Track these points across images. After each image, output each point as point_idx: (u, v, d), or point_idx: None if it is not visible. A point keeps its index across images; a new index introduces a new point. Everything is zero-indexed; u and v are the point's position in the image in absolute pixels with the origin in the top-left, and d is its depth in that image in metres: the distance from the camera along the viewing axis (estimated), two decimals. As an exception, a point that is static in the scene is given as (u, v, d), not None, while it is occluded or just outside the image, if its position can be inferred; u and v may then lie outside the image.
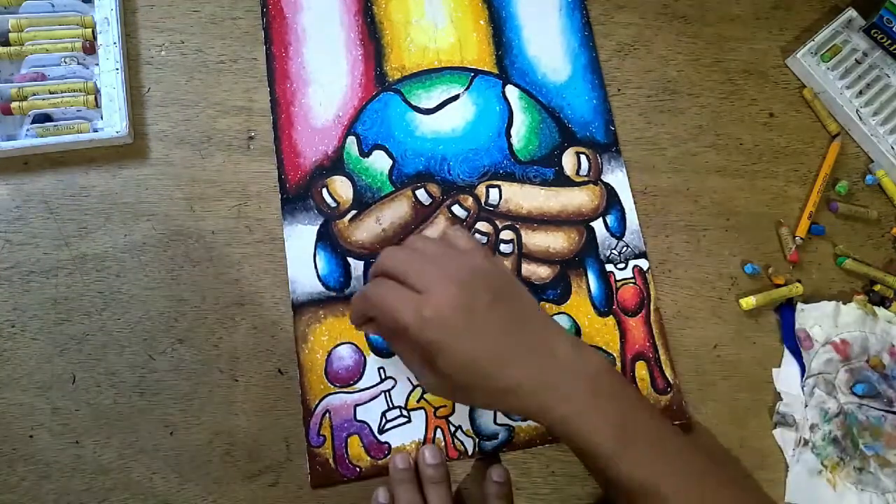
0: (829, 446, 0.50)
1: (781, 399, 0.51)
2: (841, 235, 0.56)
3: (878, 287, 0.55)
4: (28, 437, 0.45)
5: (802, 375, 0.52)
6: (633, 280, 0.52)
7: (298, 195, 0.51)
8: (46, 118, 0.49)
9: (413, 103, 0.54)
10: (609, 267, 0.52)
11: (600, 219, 0.53)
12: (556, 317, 0.50)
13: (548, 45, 0.56)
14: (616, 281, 0.52)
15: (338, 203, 0.51)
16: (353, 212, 0.51)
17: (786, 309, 0.53)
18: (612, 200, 0.53)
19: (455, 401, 0.42)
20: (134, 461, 0.45)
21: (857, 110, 0.58)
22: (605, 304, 0.51)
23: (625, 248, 0.52)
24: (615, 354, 0.50)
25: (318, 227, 0.50)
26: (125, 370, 0.46)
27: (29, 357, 0.46)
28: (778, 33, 0.60)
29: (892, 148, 0.57)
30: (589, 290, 0.51)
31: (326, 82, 0.53)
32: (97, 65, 0.50)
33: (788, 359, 0.52)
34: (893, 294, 0.55)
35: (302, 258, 0.49)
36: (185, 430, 0.46)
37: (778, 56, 0.60)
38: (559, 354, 0.39)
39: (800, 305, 0.53)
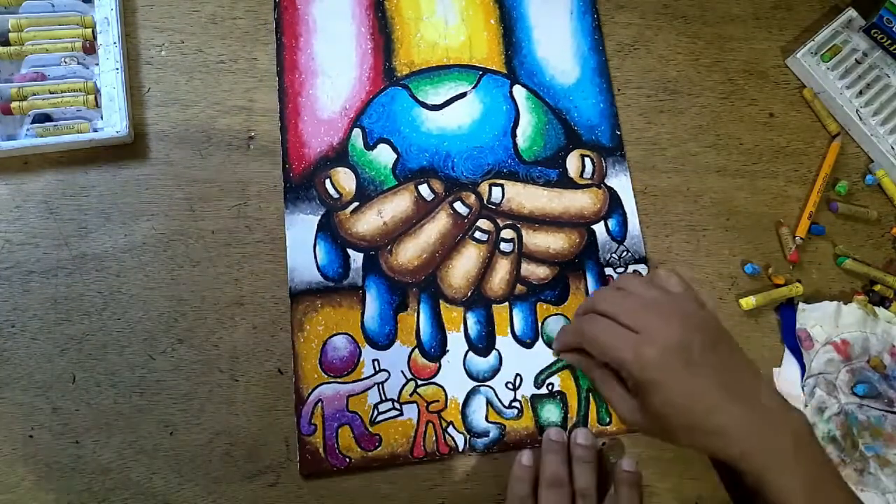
0: (829, 446, 0.50)
1: None
2: (841, 235, 0.56)
3: (878, 287, 0.55)
4: (28, 437, 0.45)
5: (803, 375, 0.52)
6: None
7: (302, 185, 0.51)
8: (46, 118, 0.49)
9: (420, 99, 0.54)
10: (608, 270, 0.52)
11: (602, 222, 0.53)
12: (553, 318, 0.50)
13: (557, 47, 0.56)
14: None
15: (340, 194, 0.51)
16: (356, 204, 0.51)
17: (786, 309, 0.53)
18: (614, 204, 0.53)
19: (652, 435, 0.43)
20: (134, 461, 0.45)
21: (857, 110, 0.58)
22: None
23: (625, 253, 0.52)
24: None
25: (319, 217, 0.50)
26: (125, 370, 0.46)
27: (29, 357, 0.46)
28: (778, 33, 0.60)
29: (892, 148, 0.57)
30: (587, 293, 0.51)
31: (335, 74, 0.53)
32: (97, 65, 0.50)
33: (789, 359, 0.52)
34: (893, 294, 0.55)
35: (302, 248, 0.50)
36: (185, 430, 0.46)
37: (778, 56, 0.60)
38: (766, 405, 0.41)
39: (801, 305, 0.53)
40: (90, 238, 0.48)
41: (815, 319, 0.53)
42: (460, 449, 0.47)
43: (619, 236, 0.53)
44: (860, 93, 0.58)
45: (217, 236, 0.49)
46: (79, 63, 0.50)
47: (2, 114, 0.48)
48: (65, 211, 0.48)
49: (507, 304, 0.50)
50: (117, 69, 0.50)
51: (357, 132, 0.52)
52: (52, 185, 0.49)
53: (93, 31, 0.51)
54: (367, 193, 0.51)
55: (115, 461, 0.45)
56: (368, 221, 0.51)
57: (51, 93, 0.49)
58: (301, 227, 0.50)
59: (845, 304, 0.53)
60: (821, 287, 0.54)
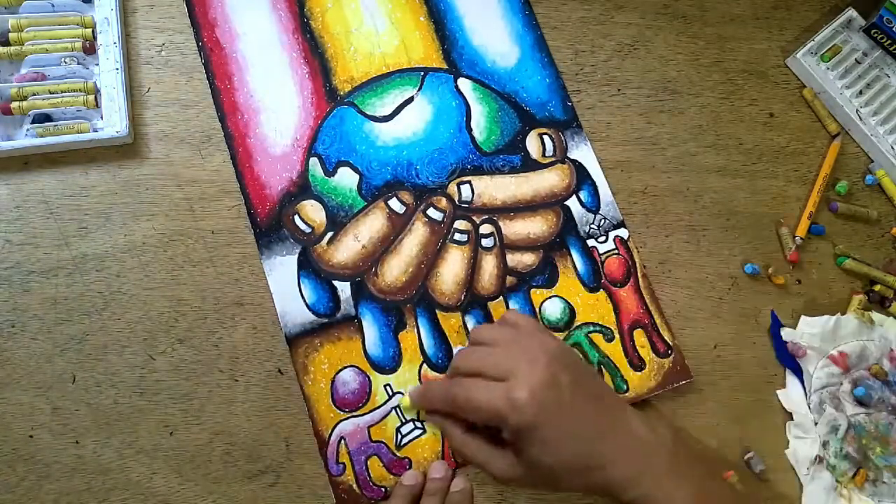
0: (843, 461, 0.50)
1: (792, 419, 0.51)
2: (841, 235, 0.56)
3: (878, 287, 0.55)
4: (28, 437, 0.45)
5: (806, 393, 0.51)
6: (616, 251, 0.52)
7: (271, 227, 0.49)
8: (46, 118, 0.49)
9: (368, 113, 0.53)
10: (591, 242, 0.52)
11: (574, 196, 0.53)
12: (548, 301, 0.51)
13: (491, 31, 0.56)
14: (600, 255, 0.52)
15: (312, 228, 0.50)
16: (330, 234, 0.50)
17: (776, 330, 0.53)
18: (582, 176, 0.54)
19: (536, 488, 0.43)
20: (134, 461, 0.45)
21: (857, 110, 0.58)
22: (594, 280, 0.51)
23: (602, 221, 0.53)
24: (612, 327, 0.50)
25: (297, 255, 0.49)
26: (125, 370, 0.46)
27: (29, 357, 0.46)
28: (778, 33, 0.60)
29: (892, 148, 0.57)
30: (575, 269, 0.51)
31: (277, 107, 0.52)
32: (97, 65, 0.50)
33: (791, 379, 0.52)
34: (893, 294, 0.55)
35: (287, 290, 0.48)
36: (185, 430, 0.46)
37: (778, 56, 0.60)
38: (636, 430, 0.41)
39: (802, 318, 0.53)
40: (90, 238, 0.48)
41: (810, 335, 0.52)
42: None
43: (594, 206, 0.53)
44: (860, 93, 0.58)
45: (217, 236, 0.49)
46: (79, 63, 0.50)
47: (2, 114, 0.48)
48: (65, 211, 0.48)
49: (501, 298, 0.50)
50: (117, 69, 0.50)
51: (314, 161, 0.51)
52: (52, 185, 0.49)
53: (93, 31, 0.51)
54: (338, 221, 0.50)
55: (115, 461, 0.45)
56: (347, 248, 0.50)
57: (51, 93, 0.49)
58: (281, 270, 0.49)
59: (842, 314, 0.53)
60: (821, 287, 0.54)
